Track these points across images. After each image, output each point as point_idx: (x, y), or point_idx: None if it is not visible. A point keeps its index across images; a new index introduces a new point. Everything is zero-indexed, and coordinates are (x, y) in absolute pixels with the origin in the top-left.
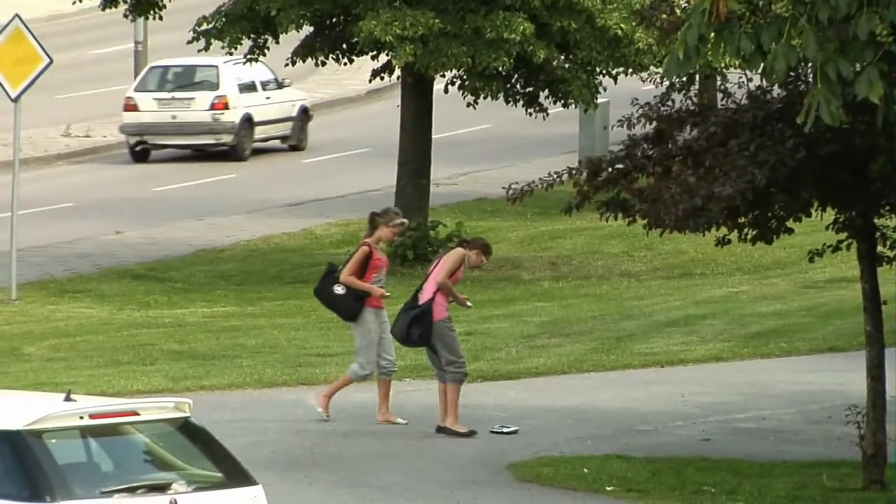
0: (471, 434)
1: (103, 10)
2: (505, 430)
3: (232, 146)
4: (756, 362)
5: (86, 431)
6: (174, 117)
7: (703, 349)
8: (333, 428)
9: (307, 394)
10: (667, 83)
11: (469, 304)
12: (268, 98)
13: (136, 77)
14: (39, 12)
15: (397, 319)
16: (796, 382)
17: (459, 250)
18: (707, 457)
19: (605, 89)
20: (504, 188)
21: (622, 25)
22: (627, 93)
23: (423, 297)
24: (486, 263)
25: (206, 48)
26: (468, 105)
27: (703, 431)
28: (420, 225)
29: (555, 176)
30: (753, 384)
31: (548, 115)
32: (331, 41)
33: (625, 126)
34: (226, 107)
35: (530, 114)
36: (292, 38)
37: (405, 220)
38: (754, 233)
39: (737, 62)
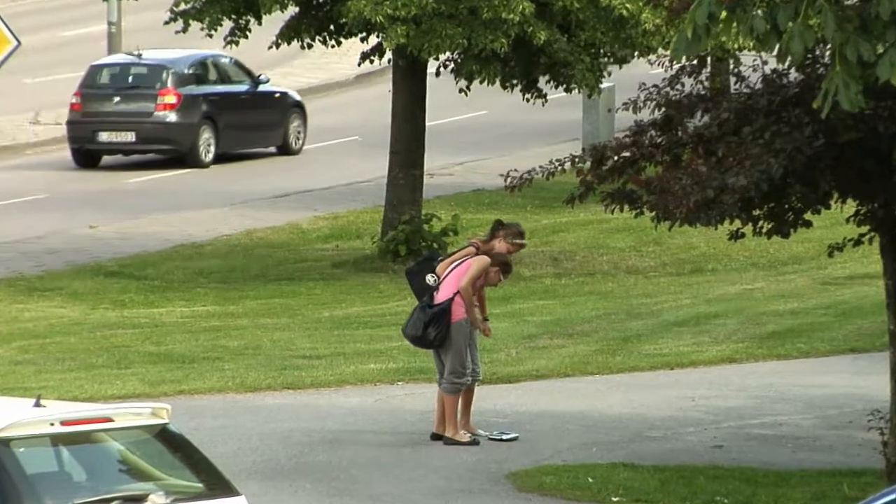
0: (474, 443)
1: None
2: (504, 436)
3: None
4: (772, 364)
5: (57, 439)
6: None
7: (716, 350)
8: (321, 436)
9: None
10: (676, 66)
11: (481, 326)
12: None
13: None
14: None
15: (411, 318)
16: (815, 385)
17: (485, 258)
18: (720, 465)
19: (609, 73)
20: (502, 175)
21: (628, 5)
22: (634, 77)
23: (442, 296)
24: (503, 283)
25: (184, 30)
26: (460, 91)
27: (715, 438)
28: (413, 218)
29: (556, 164)
30: (769, 387)
31: (546, 100)
32: (317, 22)
33: (630, 110)
34: None
35: (528, 99)
36: (276, 20)
37: (525, 244)
38: (770, 226)
39: (751, 43)
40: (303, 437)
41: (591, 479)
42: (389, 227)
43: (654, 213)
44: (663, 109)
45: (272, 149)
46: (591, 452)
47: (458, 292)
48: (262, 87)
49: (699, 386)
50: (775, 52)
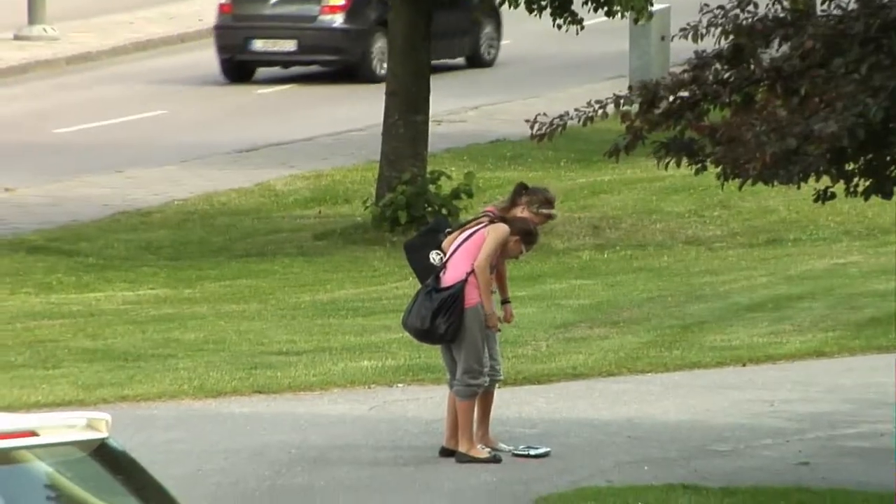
0: (494, 460)
1: None
2: (532, 451)
3: None
4: (871, 358)
5: None
6: None
7: (799, 341)
8: (301, 452)
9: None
10: None
11: (499, 327)
12: None
13: None
14: None
15: (414, 305)
16: None
17: (503, 227)
18: (806, 486)
19: None
20: (528, 122)
21: None
22: None
23: (451, 277)
24: (526, 256)
25: None
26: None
27: (800, 452)
28: (415, 177)
29: (596, 107)
30: (867, 388)
31: (583, 27)
32: None
33: (689, 38)
34: None
35: (559, 26)
36: None
37: (555, 214)
38: (867, 184)
39: None
40: (279, 453)
41: None
42: (386, 188)
43: (719, 169)
44: (731, 37)
45: (460, 60)
46: (641, 472)
47: (471, 272)
48: None
49: (779, 387)
50: None
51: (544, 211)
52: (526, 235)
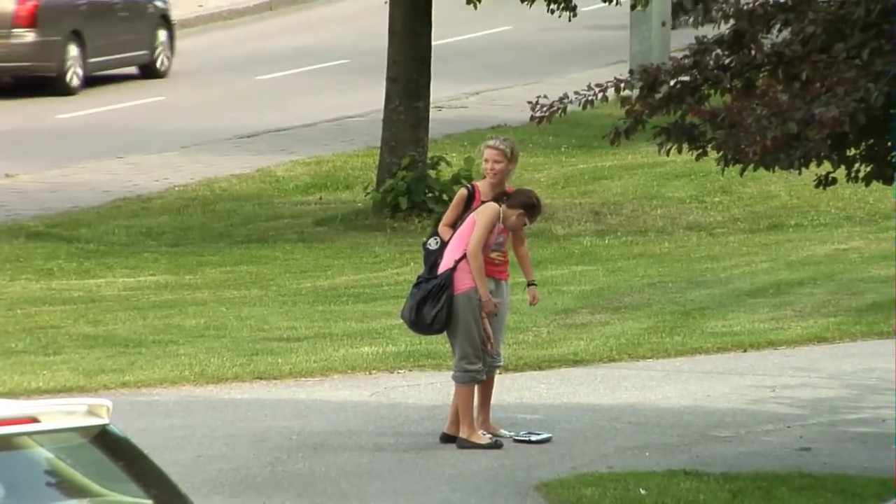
0: (495, 445)
1: None
2: (533, 437)
3: None
4: (872, 344)
5: None
6: None
7: (801, 327)
8: (302, 438)
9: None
10: None
11: (496, 311)
12: None
13: None
14: None
15: (409, 297)
16: None
17: (493, 206)
18: (807, 471)
19: None
20: (529, 103)
21: None
22: None
23: (444, 264)
24: (530, 227)
25: None
26: (468, 2)
27: (801, 438)
28: (416, 162)
29: (597, 90)
30: (869, 374)
31: (575, 14)
32: None
33: (690, 22)
34: None
35: (552, 11)
36: None
37: (496, 147)
38: (868, 169)
39: None
40: (280, 439)
41: (643, 491)
42: (387, 173)
43: (720, 154)
44: (732, 21)
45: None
46: (643, 457)
47: (461, 258)
48: None
49: (780, 372)
50: None
51: (481, 147)
52: (528, 208)
